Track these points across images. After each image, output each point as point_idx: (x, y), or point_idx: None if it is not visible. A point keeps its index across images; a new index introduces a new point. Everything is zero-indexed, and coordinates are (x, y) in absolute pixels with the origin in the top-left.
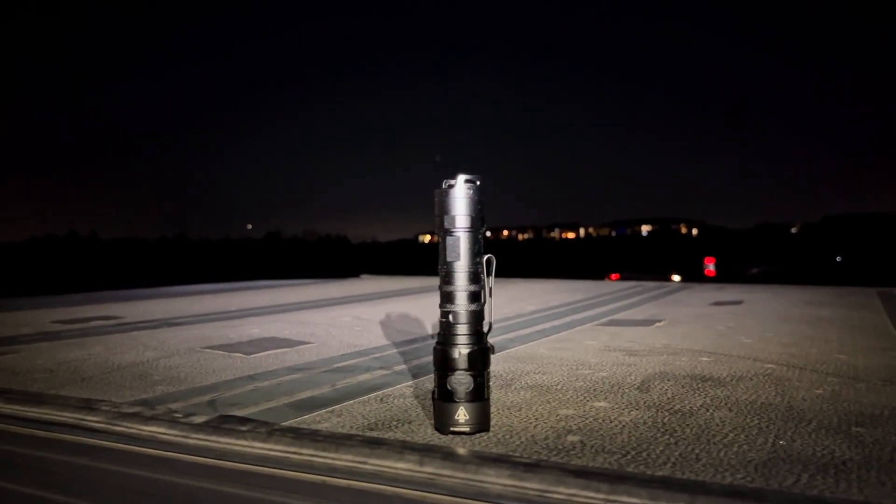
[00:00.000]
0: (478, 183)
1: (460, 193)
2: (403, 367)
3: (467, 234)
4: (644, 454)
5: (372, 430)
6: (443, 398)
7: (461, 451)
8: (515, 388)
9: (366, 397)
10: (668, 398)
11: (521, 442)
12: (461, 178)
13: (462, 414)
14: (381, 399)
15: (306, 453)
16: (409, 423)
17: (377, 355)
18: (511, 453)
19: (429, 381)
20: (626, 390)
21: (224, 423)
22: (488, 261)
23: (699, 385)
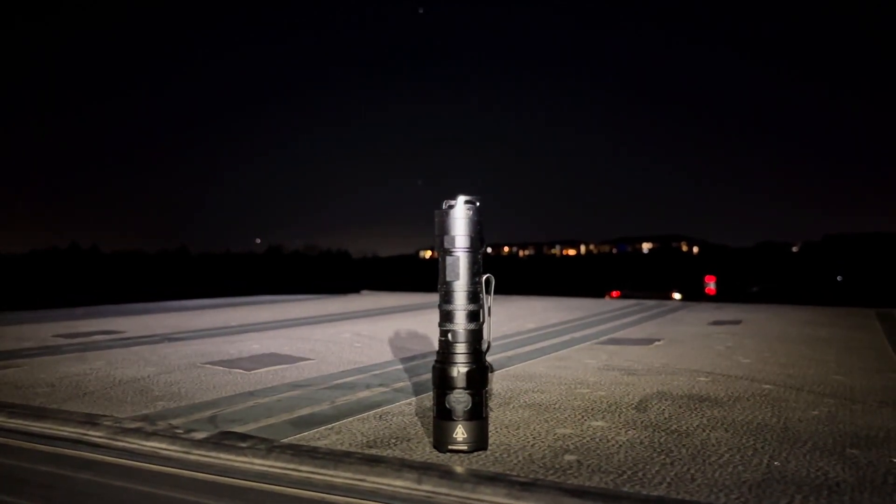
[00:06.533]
0: (477, 204)
1: (460, 214)
2: (403, 384)
3: (467, 253)
4: (640, 474)
5: (371, 447)
6: (441, 416)
7: (459, 469)
8: (514, 407)
9: (365, 415)
10: (666, 418)
11: (519, 461)
12: (461, 199)
13: (460, 432)
14: (381, 416)
15: (305, 470)
16: (408, 440)
17: (377, 372)
18: (508, 472)
19: (428, 399)
20: (624, 410)
21: (224, 440)
22: (487, 280)
23: (696, 405)
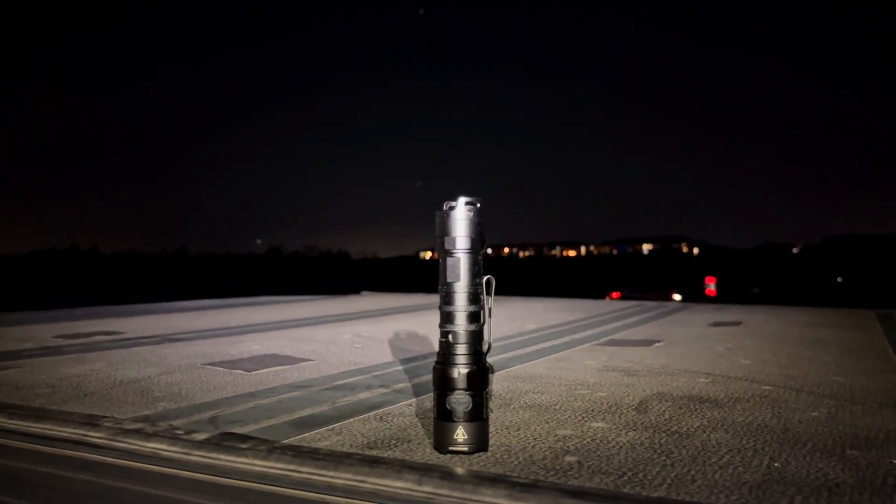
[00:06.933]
0: (478, 205)
1: (460, 215)
2: (403, 385)
3: (467, 255)
4: (640, 475)
5: (371, 448)
6: (442, 417)
7: (459, 470)
8: (514, 408)
9: (366, 415)
10: (666, 419)
11: (519, 462)
12: (462, 200)
13: (461, 433)
14: (381, 417)
15: (306, 471)
16: (409, 441)
17: (377, 373)
18: (509, 473)
19: (428, 400)
20: (624, 411)
21: (225, 441)
22: (488, 281)
23: (696, 406)
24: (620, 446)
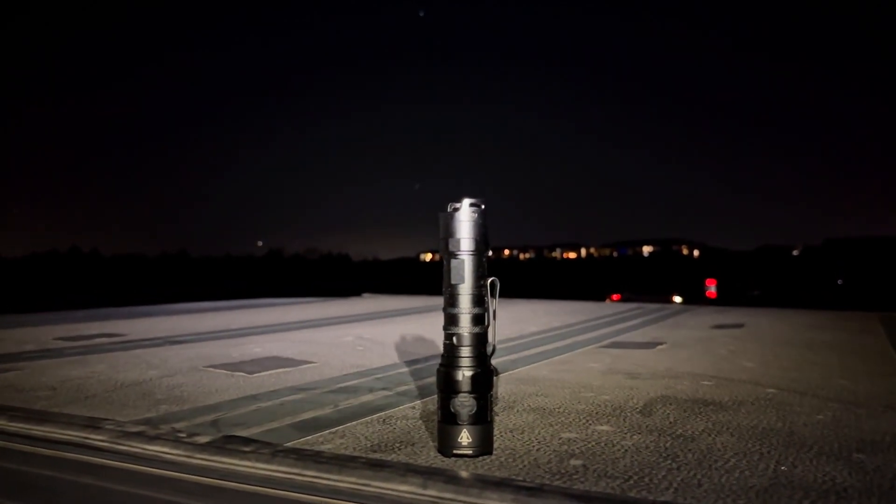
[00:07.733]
0: (482, 207)
1: (465, 217)
2: (406, 387)
3: (471, 257)
4: (646, 479)
5: (375, 451)
6: (446, 420)
7: (464, 474)
8: (518, 411)
9: (369, 418)
10: (671, 422)
11: (524, 465)
12: (466, 201)
13: (465, 437)
14: (384, 420)
15: (309, 475)
16: (412, 445)
17: (380, 376)
18: (514, 477)
19: (432, 403)
20: (629, 414)
21: (228, 444)
22: (492, 284)
23: (701, 409)
24: (626, 450)
